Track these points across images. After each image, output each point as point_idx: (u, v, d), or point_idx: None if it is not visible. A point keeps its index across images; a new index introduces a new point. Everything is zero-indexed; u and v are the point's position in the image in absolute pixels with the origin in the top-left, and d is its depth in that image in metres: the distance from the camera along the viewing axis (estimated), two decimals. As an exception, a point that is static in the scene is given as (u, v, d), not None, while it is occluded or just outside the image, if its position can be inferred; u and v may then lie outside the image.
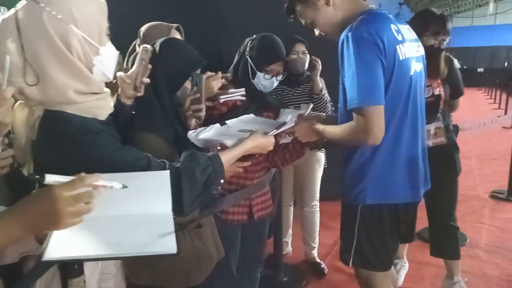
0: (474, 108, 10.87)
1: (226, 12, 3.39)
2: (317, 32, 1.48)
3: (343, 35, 1.29)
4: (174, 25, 1.75)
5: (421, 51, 1.45)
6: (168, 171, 0.97)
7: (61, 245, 0.74)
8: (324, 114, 2.12)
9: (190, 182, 1.00)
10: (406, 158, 1.38)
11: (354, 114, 1.29)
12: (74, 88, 0.93)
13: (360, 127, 1.27)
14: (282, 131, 1.44)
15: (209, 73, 1.47)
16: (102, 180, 0.78)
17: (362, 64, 1.24)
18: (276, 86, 1.74)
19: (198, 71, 1.29)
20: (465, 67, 17.37)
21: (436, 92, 2.11)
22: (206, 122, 1.38)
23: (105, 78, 1.02)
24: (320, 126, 1.45)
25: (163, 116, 1.22)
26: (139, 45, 1.74)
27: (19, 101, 0.97)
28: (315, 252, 2.73)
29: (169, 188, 0.93)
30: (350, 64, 1.26)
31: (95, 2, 0.98)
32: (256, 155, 1.65)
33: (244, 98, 1.62)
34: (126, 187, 0.84)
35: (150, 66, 1.13)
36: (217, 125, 1.33)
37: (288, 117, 1.53)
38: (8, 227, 0.71)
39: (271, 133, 1.30)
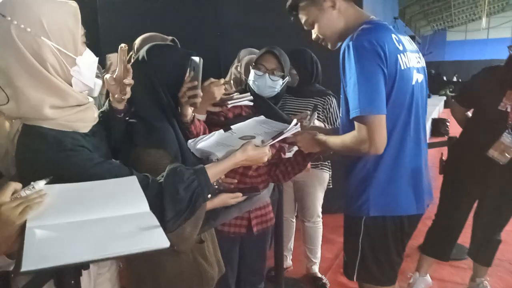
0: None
1: (224, 24, 3.43)
2: (314, 35, 1.45)
3: (344, 45, 1.28)
4: (169, 37, 1.74)
5: (422, 63, 1.44)
6: (134, 177, 0.94)
7: (38, 255, 0.70)
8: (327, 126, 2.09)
9: (173, 199, 0.96)
10: (409, 169, 1.36)
11: (355, 123, 1.27)
12: (50, 104, 0.90)
13: (362, 137, 1.25)
14: (281, 142, 1.39)
15: (212, 79, 1.45)
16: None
17: (363, 73, 1.23)
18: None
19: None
20: (460, 80, 17.58)
21: (507, 108, 2.02)
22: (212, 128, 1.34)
23: (85, 88, 0.98)
24: (322, 137, 1.43)
25: (169, 129, 1.19)
26: (133, 58, 1.73)
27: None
28: (316, 267, 2.68)
29: (141, 191, 0.90)
30: (351, 74, 1.25)
31: (66, 9, 0.91)
32: (255, 168, 1.62)
33: (251, 103, 1.59)
34: (49, 181, 0.82)
35: (129, 66, 1.09)
36: (221, 131, 1.28)
37: (286, 126, 1.45)
38: None
39: (265, 144, 1.23)
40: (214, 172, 1.09)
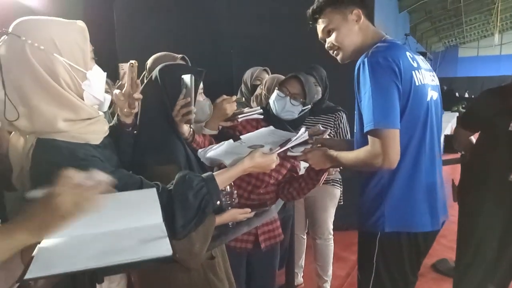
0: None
1: (237, 41, 3.48)
2: (328, 43, 1.45)
3: (359, 61, 1.29)
4: (179, 55, 1.77)
5: (436, 81, 1.44)
6: (154, 189, 0.96)
7: (45, 263, 0.73)
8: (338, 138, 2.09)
9: (183, 206, 0.99)
10: (425, 185, 1.34)
11: (369, 137, 1.27)
12: (64, 117, 0.93)
13: (375, 150, 1.24)
14: (292, 159, 1.38)
15: (224, 96, 1.47)
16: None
17: (378, 88, 1.23)
18: None
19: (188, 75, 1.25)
20: (472, 96, 17.46)
21: None
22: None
23: (96, 101, 1.03)
24: (333, 153, 1.42)
25: (177, 143, 1.22)
26: (146, 78, 1.76)
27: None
28: (327, 285, 2.63)
29: (158, 202, 0.92)
30: (366, 89, 1.25)
31: (75, 28, 0.98)
32: (265, 185, 1.62)
33: (261, 116, 1.62)
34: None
35: (138, 81, 1.13)
36: (230, 141, 1.29)
37: (293, 134, 1.43)
38: (13, 233, 0.70)
39: (273, 151, 1.23)
40: (222, 179, 1.10)
